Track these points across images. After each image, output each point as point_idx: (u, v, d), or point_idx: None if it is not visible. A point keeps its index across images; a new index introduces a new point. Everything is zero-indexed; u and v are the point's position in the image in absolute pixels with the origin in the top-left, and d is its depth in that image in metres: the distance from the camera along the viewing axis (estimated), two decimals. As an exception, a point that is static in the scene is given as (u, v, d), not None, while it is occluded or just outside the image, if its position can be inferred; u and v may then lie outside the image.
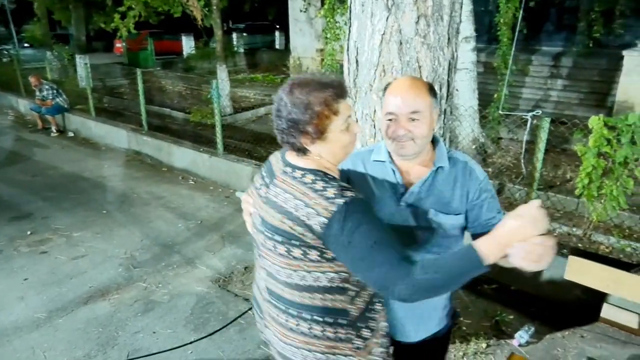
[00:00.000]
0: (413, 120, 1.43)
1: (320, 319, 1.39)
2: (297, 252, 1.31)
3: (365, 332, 1.44)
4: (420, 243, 1.54)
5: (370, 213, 1.26)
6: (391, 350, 1.63)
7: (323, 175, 1.32)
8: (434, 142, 1.56)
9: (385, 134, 1.49)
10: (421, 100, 1.43)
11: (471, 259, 1.14)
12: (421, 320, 1.67)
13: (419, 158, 1.52)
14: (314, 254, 1.30)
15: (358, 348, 1.43)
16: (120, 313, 3.34)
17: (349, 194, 1.25)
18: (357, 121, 2.26)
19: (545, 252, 1.09)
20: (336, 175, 1.40)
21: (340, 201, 1.23)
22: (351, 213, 1.22)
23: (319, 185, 1.29)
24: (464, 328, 3.05)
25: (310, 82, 1.31)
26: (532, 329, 2.99)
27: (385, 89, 1.52)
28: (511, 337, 2.98)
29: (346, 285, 1.36)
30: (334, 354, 1.42)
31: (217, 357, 2.90)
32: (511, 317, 3.18)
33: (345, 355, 1.43)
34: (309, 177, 1.32)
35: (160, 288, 3.66)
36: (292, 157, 1.39)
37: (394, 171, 1.54)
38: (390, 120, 1.46)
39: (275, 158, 1.47)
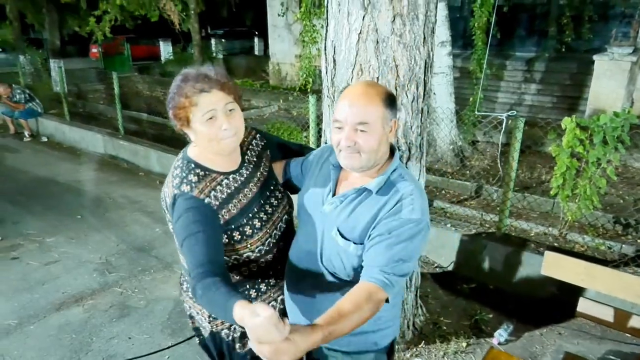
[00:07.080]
0: (360, 131, 1.31)
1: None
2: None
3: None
4: (321, 256, 1.47)
5: (197, 213, 1.34)
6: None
7: (187, 164, 1.43)
8: (392, 156, 1.43)
9: (332, 142, 1.39)
10: (372, 110, 1.30)
11: (227, 311, 1.09)
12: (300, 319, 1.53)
13: (369, 170, 1.40)
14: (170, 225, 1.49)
15: (191, 298, 1.67)
16: (94, 319, 3.25)
17: (184, 188, 1.37)
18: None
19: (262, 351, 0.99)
20: (216, 167, 1.45)
21: (175, 192, 1.38)
22: (177, 206, 1.36)
23: (177, 171, 1.43)
24: (444, 328, 3.06)
25: (189, 73, 1.37)
26: (511, 327, 3.02)
27: (341, 91, 1.41)
28: (491, 335, 3.00)
29: None
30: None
31: (195, 361, 2.85)
32: (490, 315, 3.21)
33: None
34: (178, 162, 1.46)
35: (137, 293, 3.58)
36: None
37: (331, 175, 1.47)
38: (338, 128, 1.35)
39: None
